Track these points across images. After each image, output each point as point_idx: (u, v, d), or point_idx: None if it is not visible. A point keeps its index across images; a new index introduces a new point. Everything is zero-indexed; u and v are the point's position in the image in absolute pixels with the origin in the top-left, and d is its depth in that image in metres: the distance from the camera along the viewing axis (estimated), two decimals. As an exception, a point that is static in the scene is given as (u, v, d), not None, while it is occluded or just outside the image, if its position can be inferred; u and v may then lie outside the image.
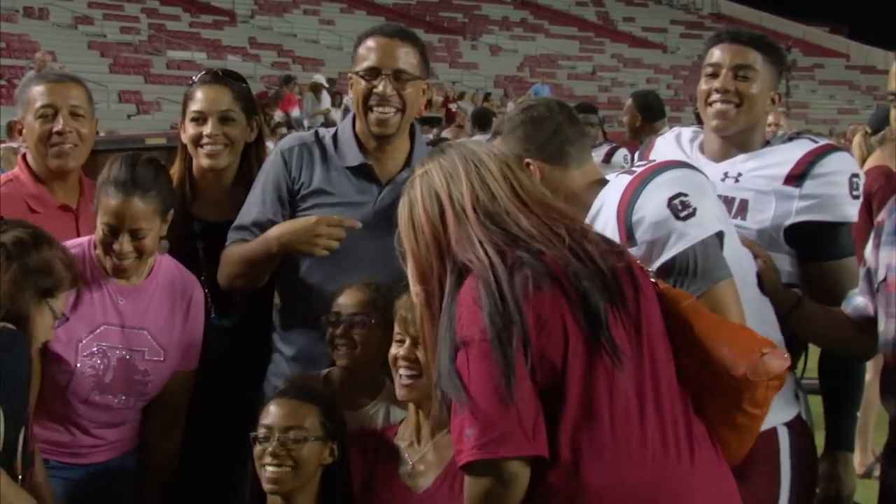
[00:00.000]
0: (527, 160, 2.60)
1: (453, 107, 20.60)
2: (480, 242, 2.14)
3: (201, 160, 3.28)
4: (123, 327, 3.00)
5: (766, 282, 2.71)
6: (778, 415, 2.56)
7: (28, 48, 21.80)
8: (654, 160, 2.78)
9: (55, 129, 3.18)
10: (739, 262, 2.59)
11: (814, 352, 2.91)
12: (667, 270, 2.44)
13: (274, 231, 3.02)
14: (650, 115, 7.24)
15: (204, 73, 3.41)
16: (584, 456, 2.08)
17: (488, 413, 2.03)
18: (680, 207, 2.45)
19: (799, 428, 2.72)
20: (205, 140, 3.25)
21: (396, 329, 2.70)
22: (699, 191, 2.51)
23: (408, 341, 2.66)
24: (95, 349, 2.96)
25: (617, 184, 2.57)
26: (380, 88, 3.02)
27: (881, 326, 2.60)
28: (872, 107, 19.86)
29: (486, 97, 23.01)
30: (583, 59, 34.98)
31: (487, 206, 2.18)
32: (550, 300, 2.09)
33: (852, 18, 44.93)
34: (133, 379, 2.99)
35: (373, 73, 3.03)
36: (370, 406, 2.94)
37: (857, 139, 6.41)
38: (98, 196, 2.93)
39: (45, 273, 2.63)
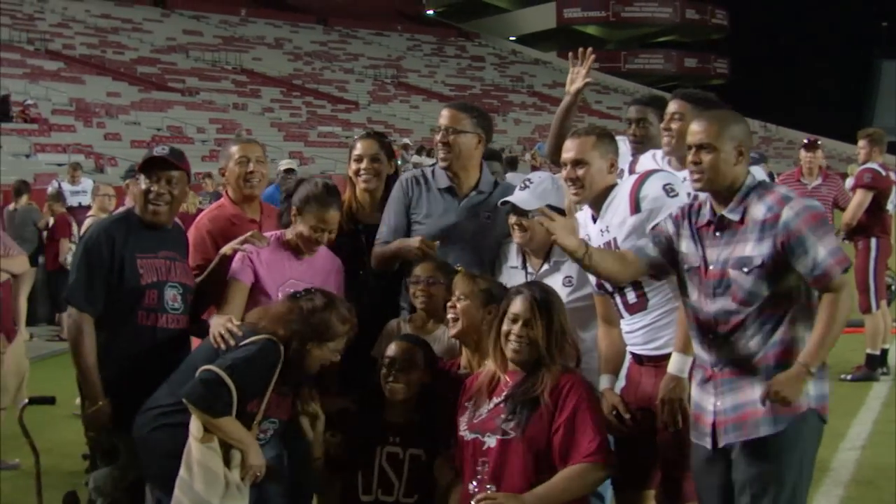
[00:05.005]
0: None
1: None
2: None
3: (359, 185, 4.70)
4: (300, 281, 4.23)
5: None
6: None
7: None
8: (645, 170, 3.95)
9: (248, 171, 4.55)
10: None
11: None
12: (656, 227, 3.53)
13: (403, 242, 4.39)
14: None
15: (363, 132, 4.89)
16: None
17: None
18: (669, 190, 3.63)
19: None
20: (361, 173, 4.70)
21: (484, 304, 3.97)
22: (679, 184, 3.69)
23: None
24: (287, 290, 4.15)
25: (627, 181, 3.84)
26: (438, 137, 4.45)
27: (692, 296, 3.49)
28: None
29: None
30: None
31: None
32: None
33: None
34: None
35: (437, 129, 4.50)
36: (437, 330, 4.28)
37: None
38: (304, 208, 4.24)
39: (321, 329, 3.82)
